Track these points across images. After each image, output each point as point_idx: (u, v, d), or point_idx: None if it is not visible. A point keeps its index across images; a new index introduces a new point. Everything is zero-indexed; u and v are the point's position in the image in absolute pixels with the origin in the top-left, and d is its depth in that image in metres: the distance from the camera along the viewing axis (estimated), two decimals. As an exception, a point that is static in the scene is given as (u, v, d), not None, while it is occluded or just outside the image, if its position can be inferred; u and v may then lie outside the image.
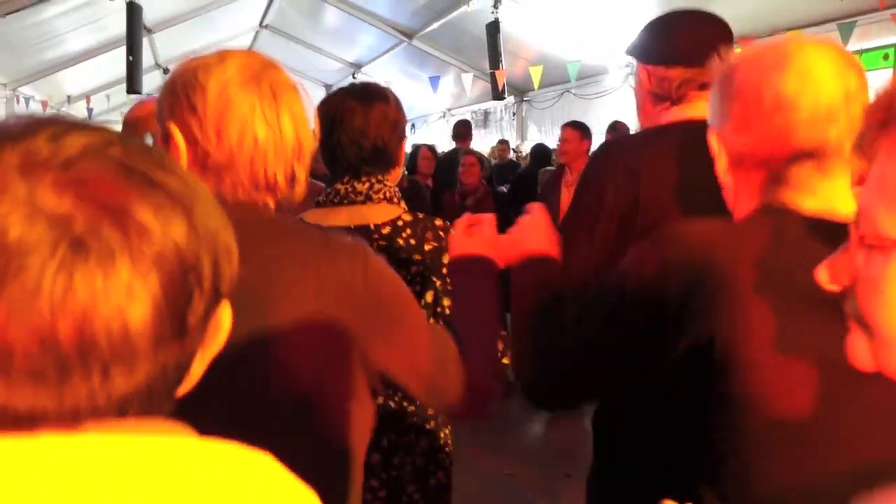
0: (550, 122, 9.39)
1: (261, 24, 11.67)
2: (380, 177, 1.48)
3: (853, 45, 4.78)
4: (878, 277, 0.49)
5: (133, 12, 6.95)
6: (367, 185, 1.46)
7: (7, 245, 0.40)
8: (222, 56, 0.97)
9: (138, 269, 0.43)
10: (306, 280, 0.95)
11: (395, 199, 1.49)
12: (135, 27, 7.04)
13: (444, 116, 12.14)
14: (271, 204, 1.00)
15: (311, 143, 1.01)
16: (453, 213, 4.67)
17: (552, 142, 8.61)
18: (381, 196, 1.47)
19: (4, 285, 0.40)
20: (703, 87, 1.48)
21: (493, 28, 7.36)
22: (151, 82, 9.92)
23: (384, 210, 1.47)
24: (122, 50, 7.21)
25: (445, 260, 1.45)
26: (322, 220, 1.44)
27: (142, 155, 0.47)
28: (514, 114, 10.27)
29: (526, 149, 8.54)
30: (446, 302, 1.48)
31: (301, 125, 0.99)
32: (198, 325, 0.48)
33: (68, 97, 9.78)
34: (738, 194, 0.97)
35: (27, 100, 8.62)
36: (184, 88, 0.95)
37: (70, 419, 0.43)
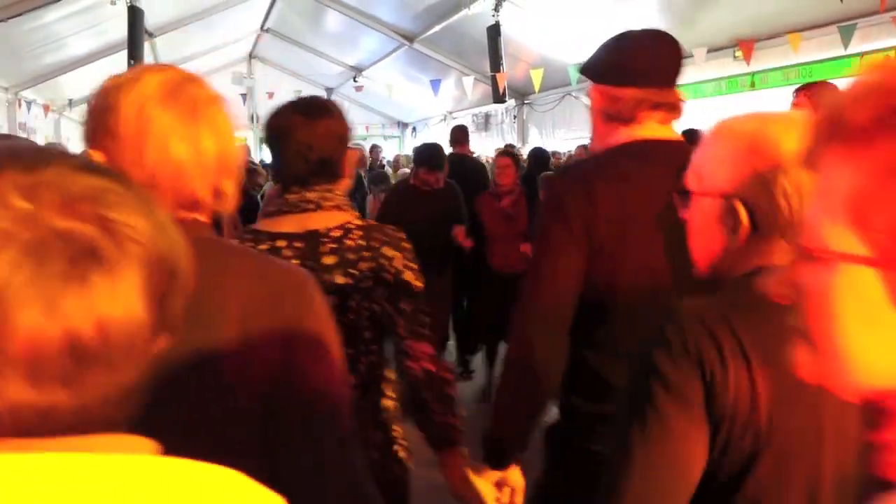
0: (552, 125, 9.40)
1: (262, 28, 11.70)
2: (329, 187, 1.52)
3: (854, 47, 4.79)
4: (822, 291, 0.49)
5: (134, 16, 6.97)
6: (317, 194, 1.50)
7: (22, 263, 0.45)
8: (137, 74, 0.96)
9: (138, 270, 0.49)
10: (232, 302, 0.93)
11: (346, 207, 1.53)
12: (136, 31, 7.05)
13: (444, 119, 12.16)
14: (203, 219, 0.98)
15: (237, 155, 1.00)
16: (490, 214, 4.67)
17: (553, 145, 8.62)
18: (332, 204, 1.51)
19: (30, 298, 0.45)
20: (657, 107, 1.47)
21: (494, 31, 7.37)
22: (153, 86, 9.90)
23: (334, 216, 1.51)
24: (124, 54, 7.21)
25: (388, 252, 1.48)
26: (273, 228, 1.49)
27: (107, 171, 0.53)
28: (514, 117, 10.28)
29: (525, 152, 8.54)
30: (409, 302, 1.51)
31: (224, 139, 0.97)
32: (174, 319, 0.53)
33: (70, 101, 9.78)
34: (738, 254, 0.93)
35: (29, 104, 8.62)
36: (100, 112, 0.93)
37: (82, 413, 0.48)
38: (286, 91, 12.19)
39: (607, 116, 1.52)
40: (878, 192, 0.44)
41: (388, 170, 8.78)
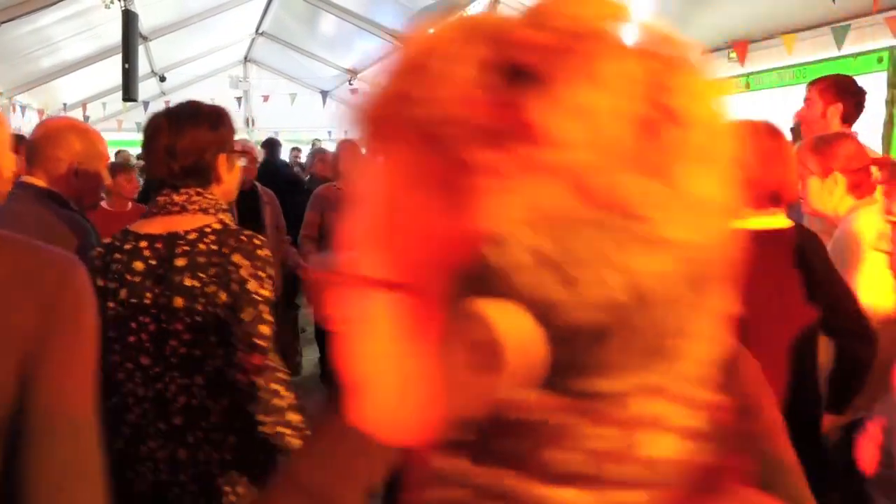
0: (547, 126, 9.41)
1: (257, 31, 11.68)
2: (199, 190, 1.56)
3: (847, 48, 4.80)
4: (357, 322, 0.41)
5: (129, 20, 6.96)
6: (184, 196, 1.56)
7: None
8: None
9: None
10: None
11: (212, 211, 1.57)
12: (130, 35, 7.04)
13: (440, 122, 12.17)
14: None
15: None
16: None
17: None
18: (197, 207, 1.56)
19: None
20: None
21: (489, 34, 7.38)
22: (147, 90, 9.91)
23: (197, 219, 1.56)
24: (119, 58, 7.20)
25: (236, 259, 1.50)
26: (141, 229, 1.57)
27: None
28: (510, 119, 10.30)
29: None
30: (249, 311, 1.51)
31: None
32: None
33: (64, 105, 9.77)
34: None
35: (23, 108, 8.59)
36: None
37: None
38: (282, 94, 12.20)
39: None
40: (395, 203, 0.38)
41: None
